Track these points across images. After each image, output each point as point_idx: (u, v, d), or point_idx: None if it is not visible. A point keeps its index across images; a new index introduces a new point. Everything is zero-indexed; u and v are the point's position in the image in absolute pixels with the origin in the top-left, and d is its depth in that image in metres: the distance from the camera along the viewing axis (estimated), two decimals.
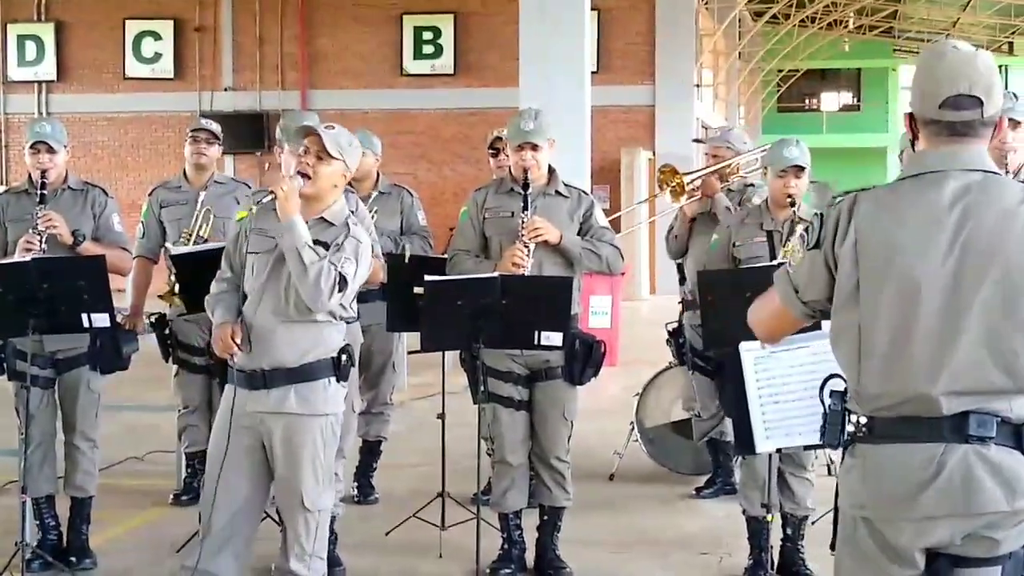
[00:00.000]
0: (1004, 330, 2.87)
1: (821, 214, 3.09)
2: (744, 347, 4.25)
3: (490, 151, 7.59)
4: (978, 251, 2.88)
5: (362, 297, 5.96)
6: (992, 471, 2.86)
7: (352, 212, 5.88)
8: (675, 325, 7.43)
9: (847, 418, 3.01)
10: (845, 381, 3.05)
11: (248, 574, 5.12)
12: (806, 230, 3.16)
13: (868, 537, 2.98)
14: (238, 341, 4.72)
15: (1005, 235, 2.88)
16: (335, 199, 4.88)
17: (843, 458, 3.06)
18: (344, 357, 4.82)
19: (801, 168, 5.96)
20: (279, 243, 4.71)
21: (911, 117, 3.04)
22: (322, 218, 4.81)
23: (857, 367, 2.98)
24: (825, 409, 3.07)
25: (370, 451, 7.42)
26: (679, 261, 7.95)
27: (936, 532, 2.90)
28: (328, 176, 4.81)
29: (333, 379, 4.80)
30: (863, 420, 2.97)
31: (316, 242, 4.69)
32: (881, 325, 2.93)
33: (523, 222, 5.71)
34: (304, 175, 4.75)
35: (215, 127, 7.25)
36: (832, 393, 3.06)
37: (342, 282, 4.65)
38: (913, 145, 3.09)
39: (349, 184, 6.51)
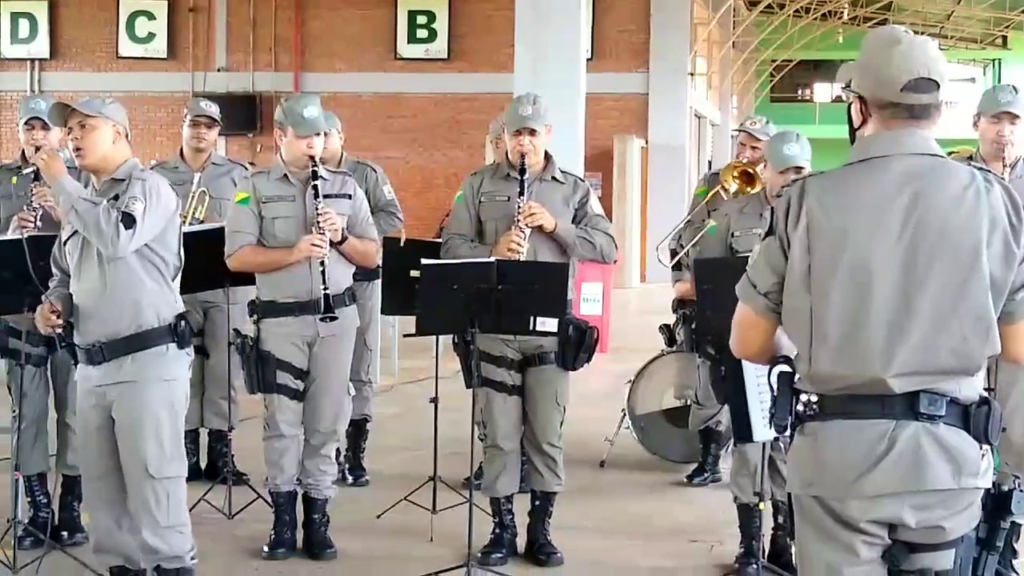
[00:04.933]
0: (954, 314, 2.90)
1: (772, 207, 3.12)
2: None
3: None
4: (928, 236, 2.91)
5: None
6: (940, 448, 2.91)
7: (350, 196, 5.92)
8: (674, 320, 7.39)
9: (796, 398, 3.02)
10: (791, 367, 3.07)
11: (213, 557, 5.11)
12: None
13: (822, 513, 3.00)
14: (56, 318, 4.77)
15: (953, 220, 2.91)
16: (124, 160, 4.84)
17: (791, 439, 3.08)
18: (183, 323, 4.77)
19: (800, 167, 5.88)
20: (59, 208, 4.79)
21: (862, 101, 3.07)
22: (112, 178, 4.82)
23: (809, 351, 3.00)
24: (773, 392, 3.08)
25: (356, 431, 7.29)
26: (672, 247, 7.93)
27: (885, 507, 2.93)
28: (99, 138, 4.79)
29: (172, 345, 4.75)
30: (813, 399, 2.99)
31: (115, 199, 4.69)
32: (833, 310, 2.95)
33: (519, 207, 5.72)
34: (78, 150, 4.79)
35: (215, 111, 7.23)
36: (780, 375, 3.08)
37: (127, 219, 4.59)
38: (854, 131, 3.11)
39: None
